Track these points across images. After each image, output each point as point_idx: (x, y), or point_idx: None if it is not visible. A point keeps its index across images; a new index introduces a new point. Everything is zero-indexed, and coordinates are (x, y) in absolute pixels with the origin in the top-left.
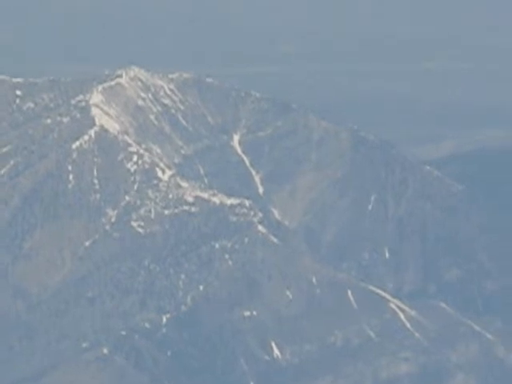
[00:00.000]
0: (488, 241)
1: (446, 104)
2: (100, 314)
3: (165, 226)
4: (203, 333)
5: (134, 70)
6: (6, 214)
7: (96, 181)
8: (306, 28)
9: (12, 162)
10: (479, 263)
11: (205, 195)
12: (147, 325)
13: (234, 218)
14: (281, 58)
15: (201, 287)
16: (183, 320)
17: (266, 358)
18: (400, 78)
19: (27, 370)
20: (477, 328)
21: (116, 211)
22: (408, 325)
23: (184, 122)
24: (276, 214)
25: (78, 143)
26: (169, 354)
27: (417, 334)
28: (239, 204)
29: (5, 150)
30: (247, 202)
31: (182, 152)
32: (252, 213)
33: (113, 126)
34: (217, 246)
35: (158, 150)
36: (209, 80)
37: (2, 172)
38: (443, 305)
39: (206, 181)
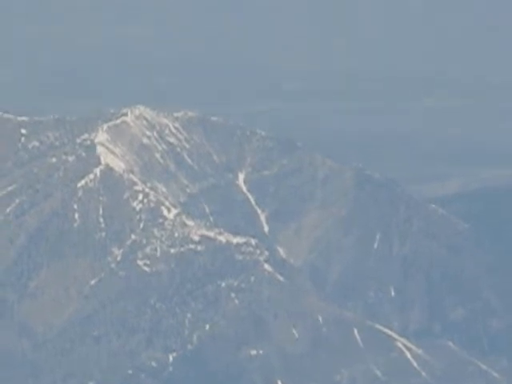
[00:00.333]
0: (493, 279)
1: (450, 141)
2: (106, 352)
3: (170, 264)
4: (210, 372)
5: (140, 109)
6: (11, 252)
7: (101, 219)
8: (310, 66)
9: (17, 201)
10: (484, 302)
11: (211, 234)
12: (154, 364)
13: (240, 257)
14: (285, 96)
15: (207, 326)
16: (190, 359)
17: None
18: (402, 116)
19: None
20: (483, 367)
21: (122, 250)
22: (415, 364)
23: (189, 161)
24: (281, 252)
25: (83, 182)
26: None
27: (423, 373)
28: (245, 243)
29: (10, 188)
30: (253, 241)
31: (188, 190)
32: (258, 251)
33: (118, 165)
34: (223, 284)
35: (164, 189)
36: (213, 118)
37: (8, 210)
38: (449, 344)
39: (211, 219)
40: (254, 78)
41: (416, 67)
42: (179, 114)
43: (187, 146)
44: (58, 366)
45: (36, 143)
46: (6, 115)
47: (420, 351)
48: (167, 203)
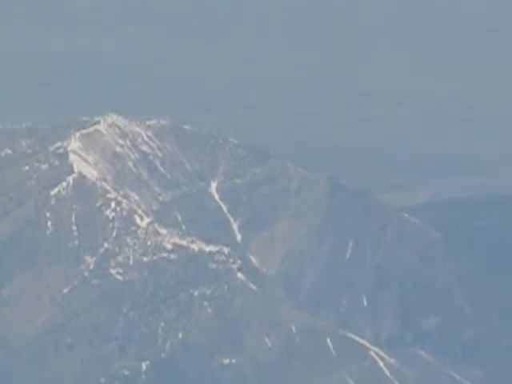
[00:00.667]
0: (465, 288)
1: (422, 151)
2: (79, 360)
3: (143, 273)
4: (182, 380)
5: (112, 117)
6: None
7: (74, 227)
8: (281, 74)
9: None
10: (457, 310)
11: (183, 242)
12: (126, 372)
13: (213, 266)
14: (257, 105)
15: (180, 334)
16: (162, 367)
17: None
18: (373, 126)
19: None
20: (456, 376)
21: (94, 258)
22: (387, 373)
23: (162, 169)
24: (254, 261)
25: (56, 190)
26: None
27: (396, 383)
28: (218, 251)
29: None
30: (226, 249)
31: (160, 199)
32: (231, 260)
33: (91, 173)
34: (196, 293)
35: (136, 197)
36: (186, 127)
37: None
38: (422, 353)
39: (183, 227)
40: (226, 87)
41: (391, 80)
42: (152, 123)
43: (160, 154)
44: (31, 374)
45: (8, 151)
46: None
47: (392, 360)
48: (140, 211)
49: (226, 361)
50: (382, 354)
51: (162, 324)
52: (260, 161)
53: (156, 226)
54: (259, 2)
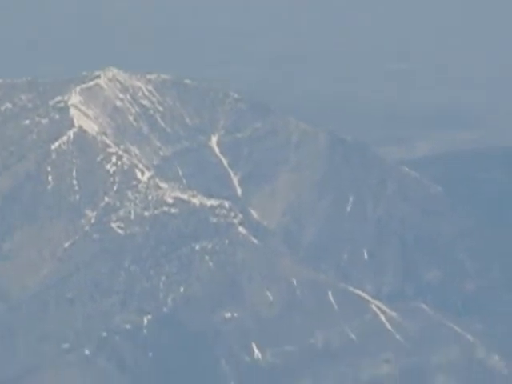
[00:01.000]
0: (467, 241)
1: (421, 104)
2: (81, 315)
3: (145, 227)
4: (184, 334)
5: (113, 71)
6: None
7: (75, 182)
8: (284, 29)
9: None
10: (459, 264)
11: (184, 196)
12: (128, 326)
13: (215, 219)
14: (258, 59)
15: (181, 289)
16: (164, 321)
17: (247, 359)
18: (374, 79)
19: (7, 371)
20: (457, 329)
21: (95, 212)
22: (389, 326)
23: (162, 123)
24: (255, 215)
25: (56, 144)
26: (150, 355)
27: (398, 336)
28: (219, 205)
29: None
30: (227, 203)
31: (161, 153)
32: (232, 214)
33: (91, 127)
34: (197, 247)
35: (137, 151)
36: (187, 81)
37: None
38: (423, 306)
39: (184, 182)
40: (228, 42)
41: (390, 35)
42: (152, 77)
43: (160, 108)
44: (32, 329)
45: (9, 105)
46: None
47: (394, 314)
48: (141, 166)
49: (228, 314)
50: (383, 307)
51: (164, 278)
52: (261, 115)
53: (157, 180)
54: None
